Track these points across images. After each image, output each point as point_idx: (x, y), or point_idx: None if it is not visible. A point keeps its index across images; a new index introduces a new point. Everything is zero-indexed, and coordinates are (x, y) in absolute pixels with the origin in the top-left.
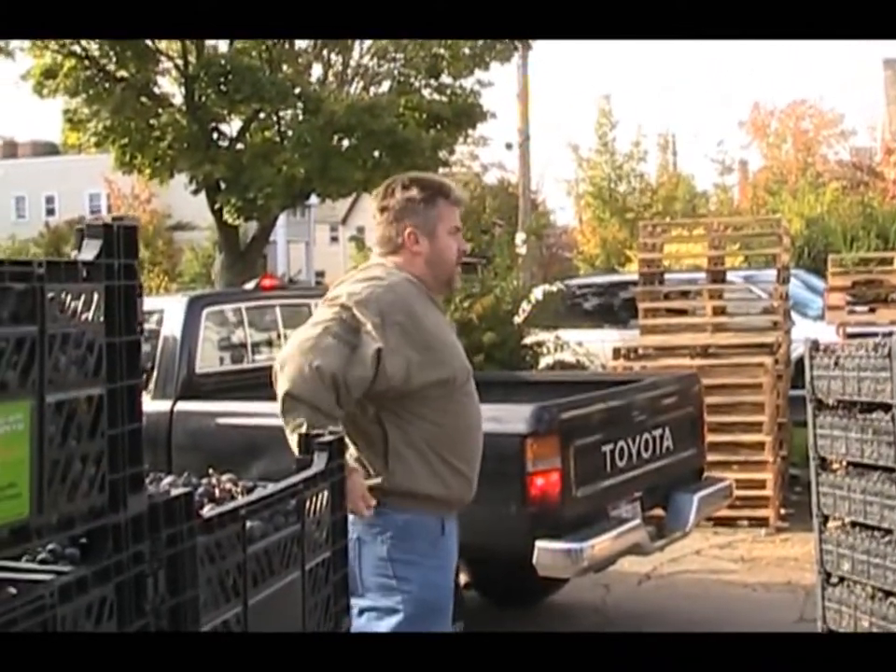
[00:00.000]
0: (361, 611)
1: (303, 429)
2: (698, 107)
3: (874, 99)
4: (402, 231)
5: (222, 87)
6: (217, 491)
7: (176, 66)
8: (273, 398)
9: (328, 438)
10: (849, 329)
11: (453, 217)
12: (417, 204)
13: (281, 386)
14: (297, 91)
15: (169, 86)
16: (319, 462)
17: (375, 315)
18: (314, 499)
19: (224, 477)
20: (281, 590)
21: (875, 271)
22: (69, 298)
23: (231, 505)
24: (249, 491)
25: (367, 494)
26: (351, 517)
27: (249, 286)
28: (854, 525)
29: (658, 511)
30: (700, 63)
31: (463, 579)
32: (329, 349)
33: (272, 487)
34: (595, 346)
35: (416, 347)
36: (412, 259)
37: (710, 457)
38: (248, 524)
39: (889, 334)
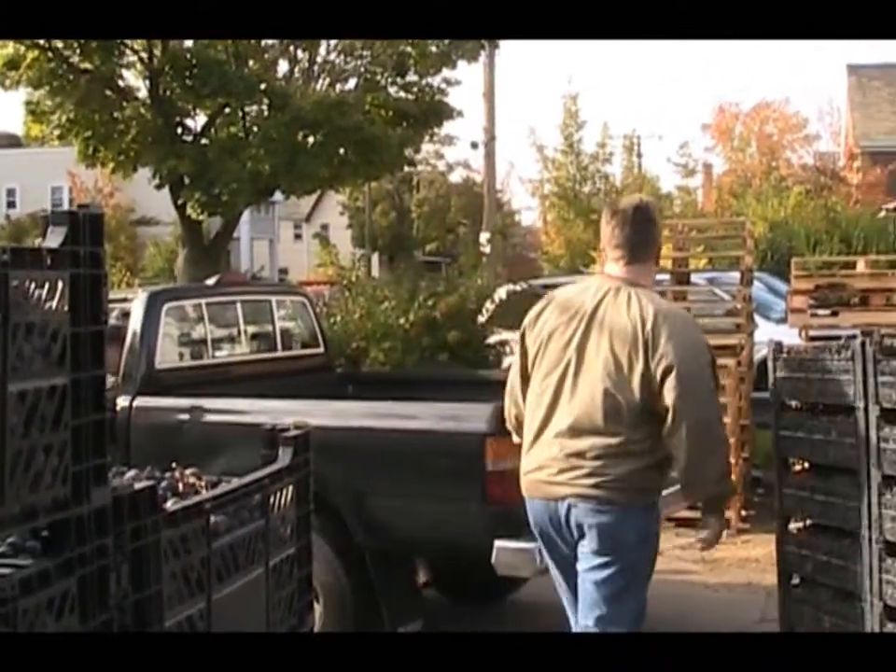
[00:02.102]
0: None
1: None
2: (663, 110)
3: (838, 104)
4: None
5: (188, 81)
6: (180, 485)
7: (141, 59)
8: (232, 393)
9: (293, 433)
10: (812, 333)
11: None
12: None
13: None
14: (263, 86)
15: (134, 79)
16: (284, 457)
17: None
18: (279, 495)
19: (188, 471)
20: (245, 586)
21: (838, 274)
22: (33, 285)
23: (196, 499)
24: (213, 486)
25: None
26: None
27: (210, 281)
28: (816, 526)
29: None
30: (666, 65)
31: (422, 577)
32: None
33: (236, 482)
34: None
35: None
36: None
37: None
38: (213, 518)
39: (853, 337)
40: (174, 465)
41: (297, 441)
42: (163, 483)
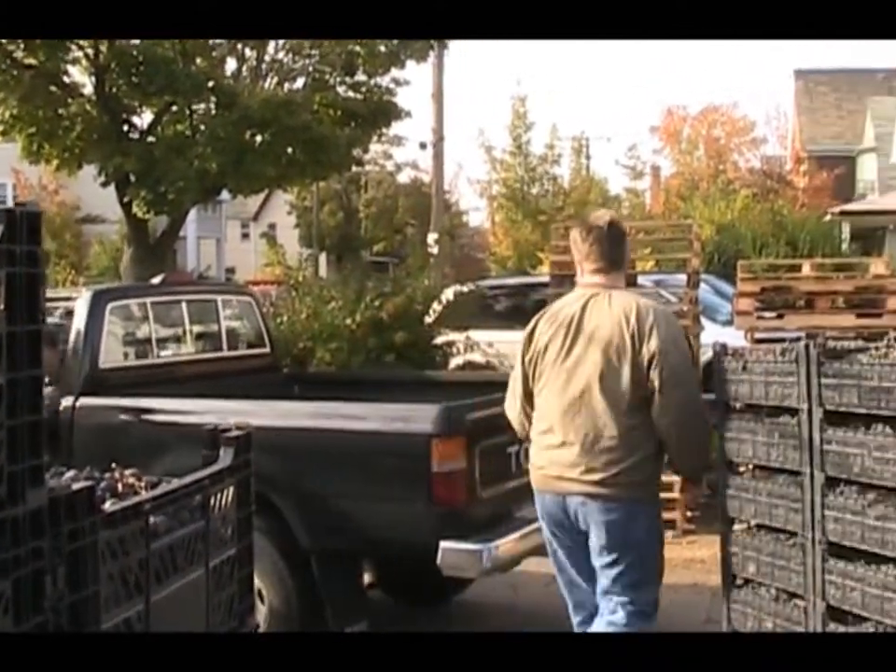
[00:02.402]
0: None
1: None
2: (612, 112)
3: (785, 109)
4: None
5: (134, 78)
6: (119, 486)
7: (87, 56)
8: (177, 393)
9: (235, 433)
10: (758, 335)
11: None
12: None
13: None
14: (211, 84)
15: (79, 75)
16: (225, 458)
17: None
18: (219, 495)
19: (127, 472)
20: (184, 587)
21: (784, 277)
22: None
23: (134, 500)
24: (153, 486)
25: None
26: None
27: (155, 280)
28: (760, 527)
29: None
30: (615, 68)
31: (368, 578)
32: None
33: (176, 482)
34: (505, 347)
35: None
36: None
37: None
38: (152, 519)
39: (797, 339)
40: (113, 465)
41: (238, 442)
42: (102, 484)
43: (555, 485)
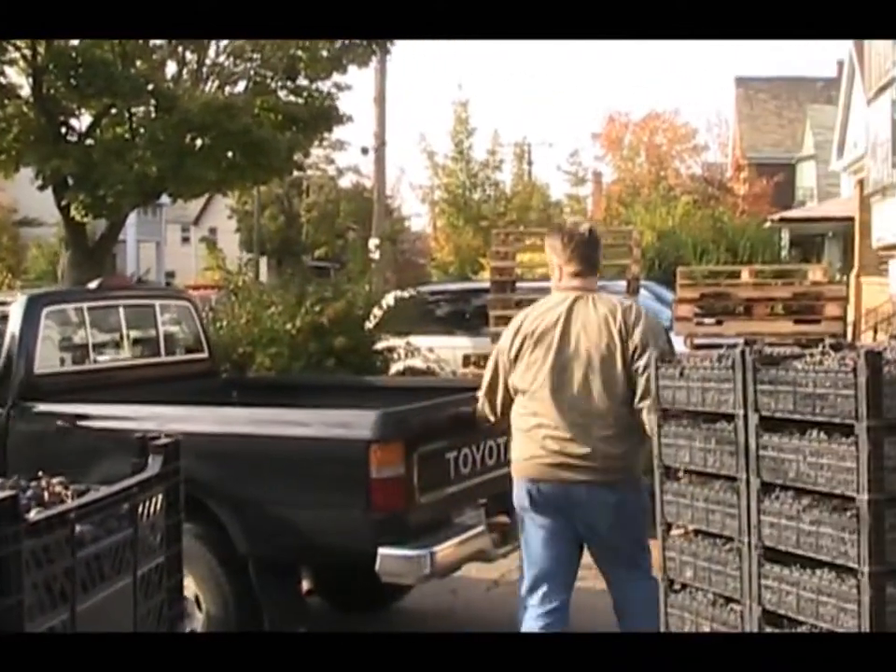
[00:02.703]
0: None
1: None
2: (554, 118)
3: (726, 116)
4: None
5: (73, 80)
6: (46, 494)
7: (24, 57)
8: (114, 399)
9: (164, 441)
10: (697, 341)
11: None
12: None
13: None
14: (151, 87)
15: (16, 76)
16: (154, 465)
17: None
18: (148, 503)
19: (54, 480)
20: (112, 595)
21: (723, 284)
22: None
23: (59, 508)
24: (81, 494)
25: None
26: None
27: (92, 285)
28: (697, 532)
29: (503, 518)
30: (557, 74)
31: (306, 585)
32: None
33: (104, 490)
34: (446, 353)
35: None
36: None
37: None
38: (78, 527)
39: (734, 346)
40: (40, 474)
41: (167, 450)
42: (28, 493)
43: (558, 474)
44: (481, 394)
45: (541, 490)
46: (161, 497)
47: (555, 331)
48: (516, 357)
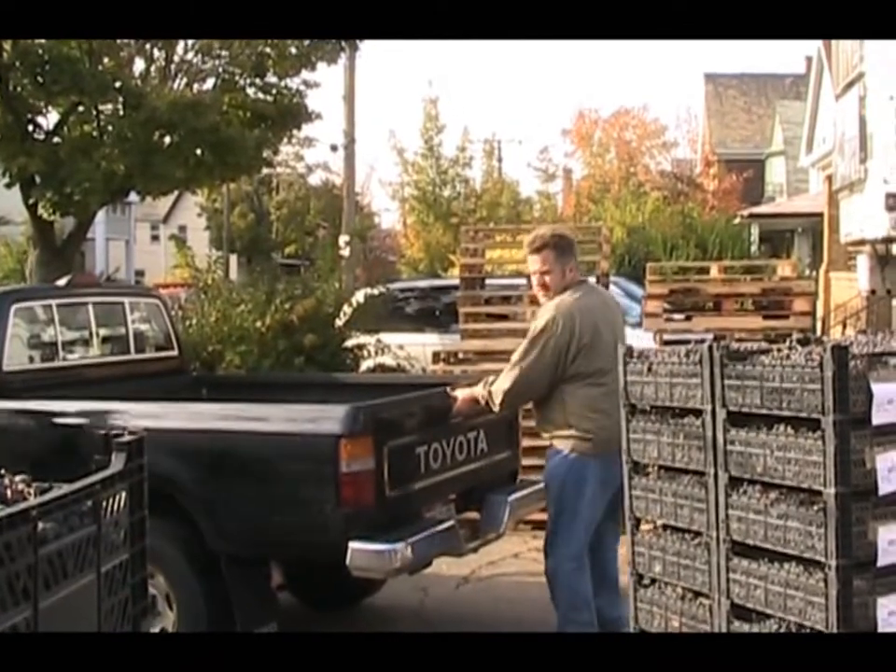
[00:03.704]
0: None
1: None
2: (524, 115)
3: (695, 112)
4: None
5: (39, 78)
6: (8, 492)
7: None
8: (84, 396)
9: (127, 437)
10: (666, 337)
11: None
12: None
13: None
14: (118, 84)
15: None
16: (117, 462)
17: None
18: (111, 500)
19: (17, 478)
20: (75, 592)
21: (693, 279)
22: None
23: (21, 506)
24: (44, 492)
25: None
26: None
27: (61, 282)
28: (665, 527)
29: (473, 514)
30: (527, 70)
31: (277, 580)
32: None
33: (67, 488)
34: (416, 350)
35: None
36: None
37: (526, 461)
38: (40, 525)
39: (702, 341)
40: (2, 472)
41: (130, 446)
42: None
43: (614, 446)
44: (522, 382)
45: (604, 462)
46: (124, 493)
47: (604, 322)
48: (589, 342)
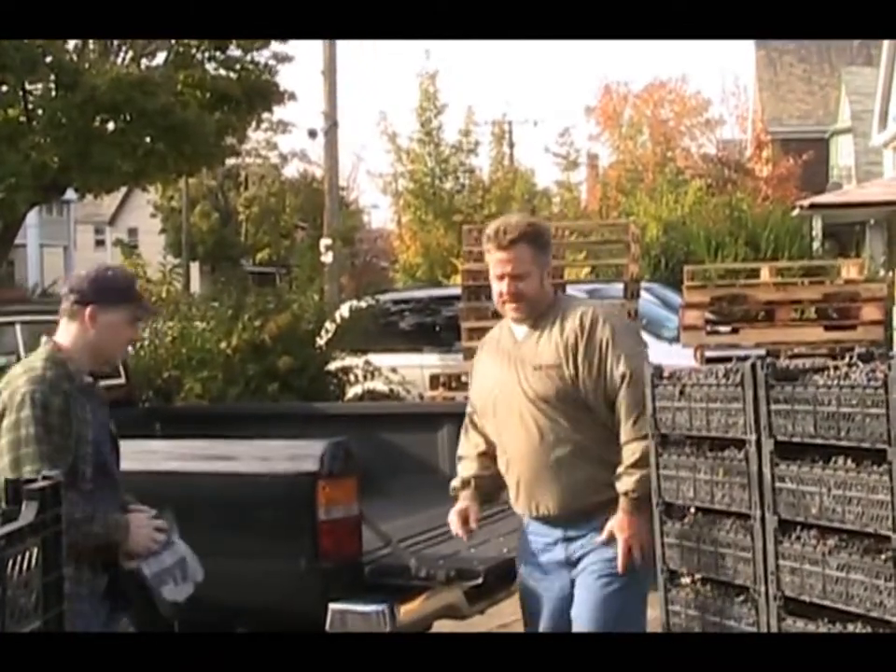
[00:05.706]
0: None
1: None
2: (539, 91)
3: (744, 83)
4: None
5: None
6: None
7: None
8: None
9: (40, 484)
10: (709, 353)
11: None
12: None
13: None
14: (48, 59)
15: None
16: (28, 513)
17: None
18: (19, 558)
19: None
20: None
21: (739, 284)
22: None
23: None
24: None
25: None
26: None
27: None
28: (705, 581)
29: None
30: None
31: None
32: None
33: None
34: (412, 373)
35: None
36: None
37: None
38: None
39: (745, 358)
40: None
41: (44, 494)
42: None
43: None
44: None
45: None
46: (36, 550)
47: None
48: None
